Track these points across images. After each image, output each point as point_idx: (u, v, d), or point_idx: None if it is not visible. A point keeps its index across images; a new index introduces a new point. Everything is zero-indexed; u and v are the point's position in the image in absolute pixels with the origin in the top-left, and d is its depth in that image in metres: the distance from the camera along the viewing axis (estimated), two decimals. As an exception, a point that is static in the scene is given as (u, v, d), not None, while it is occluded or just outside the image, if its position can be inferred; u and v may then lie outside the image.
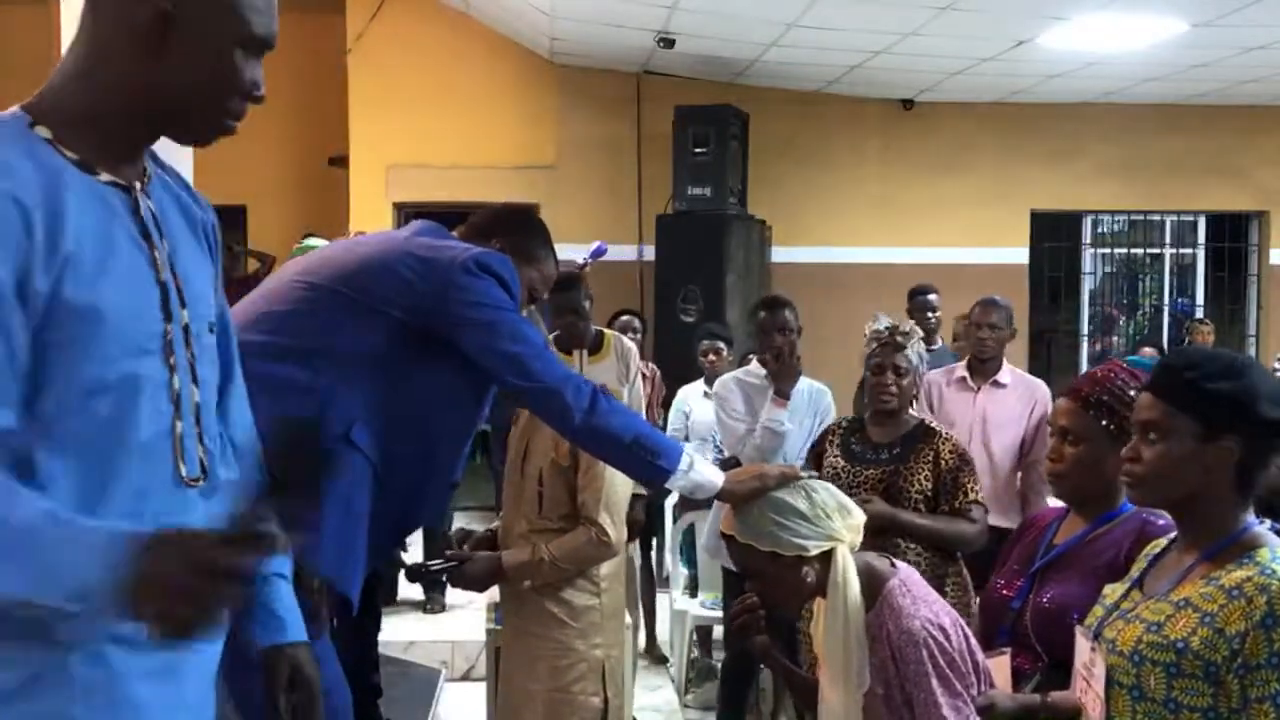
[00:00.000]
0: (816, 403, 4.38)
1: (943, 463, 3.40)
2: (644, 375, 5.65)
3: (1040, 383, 4.85)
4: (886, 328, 3.57)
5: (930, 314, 6.27)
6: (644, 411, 5.15)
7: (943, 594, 3.31)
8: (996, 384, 4.72)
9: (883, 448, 3.50)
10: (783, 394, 4.15)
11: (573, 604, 3.02)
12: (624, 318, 6.14)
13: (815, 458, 3.67)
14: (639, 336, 5.99)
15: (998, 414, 4.65)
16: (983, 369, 4.75)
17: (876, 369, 3.52)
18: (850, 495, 3.34)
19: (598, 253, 6.53)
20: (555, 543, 2.98)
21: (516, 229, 2.70)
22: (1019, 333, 6.48)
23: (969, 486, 3.39)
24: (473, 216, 2.74)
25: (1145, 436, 1.85)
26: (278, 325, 2.37)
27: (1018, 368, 5.02)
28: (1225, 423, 1.79)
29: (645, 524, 5.19)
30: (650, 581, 5.83)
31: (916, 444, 3.46)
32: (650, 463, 2.36)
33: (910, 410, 3.64)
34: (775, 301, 4.57)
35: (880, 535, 3.32)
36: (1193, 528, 1.86)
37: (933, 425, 3.56)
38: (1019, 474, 4.66)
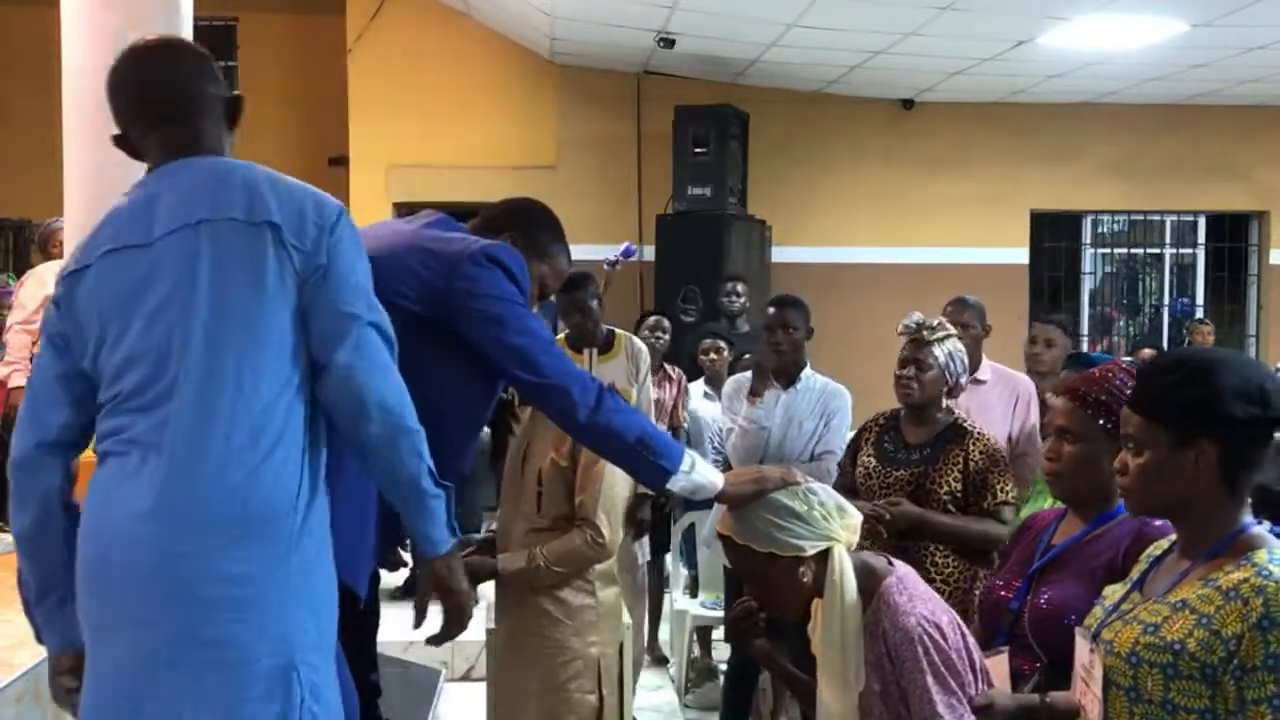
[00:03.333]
0: (826, 403, 4.34)
1: (972, 464, 3.41)
2: (670, 378, 5.69)
3: (1022, 376, 4.83)
4: (915, 323, 3.59)
5: (735, 298, 6.90)
6: (652, 413, 5.16)
7: (973, 596, 3.31)
8: (976, 381, 4.72)
9: (915, 448, 3.52)
10: (756, 392, 4.22)
11: (568, 603, 3.02)
12: (653, 318, 6.15)
13: (852, 454, 3.69)
14: (666, 337, 6.01)
15: (980, 411, 4.64)
16: None
17: (901, 363, 3.56)
18: (880, 496, 3.39)
19: (628, 253, 6.53)
20: (550, 546, 2.98)
21: (528, 223, 2.68)
22: (1018, 333, 6.46)
23: (998, 487, 3.39)
24: (485, 209, 2.73)
25: (1128, 448, 1.86)
26: None
27: (1016, 367, 5.01)
28: (1195, 427, 1.78)
29: (654, 524, 5.20)
30: (658, 582, 5.84)
31: (946, 445, 3.47)
32: (652, 463, 2.35)
33: (945, 408, 3.62)
34: (782, 300, 4.60)
35: (908, 537, 3.35)
36: (1189, 531, 1.86)
37: (965, 425, 3.55)
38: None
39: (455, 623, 2.16)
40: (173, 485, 1.87)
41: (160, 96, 2.08)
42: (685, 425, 5.68)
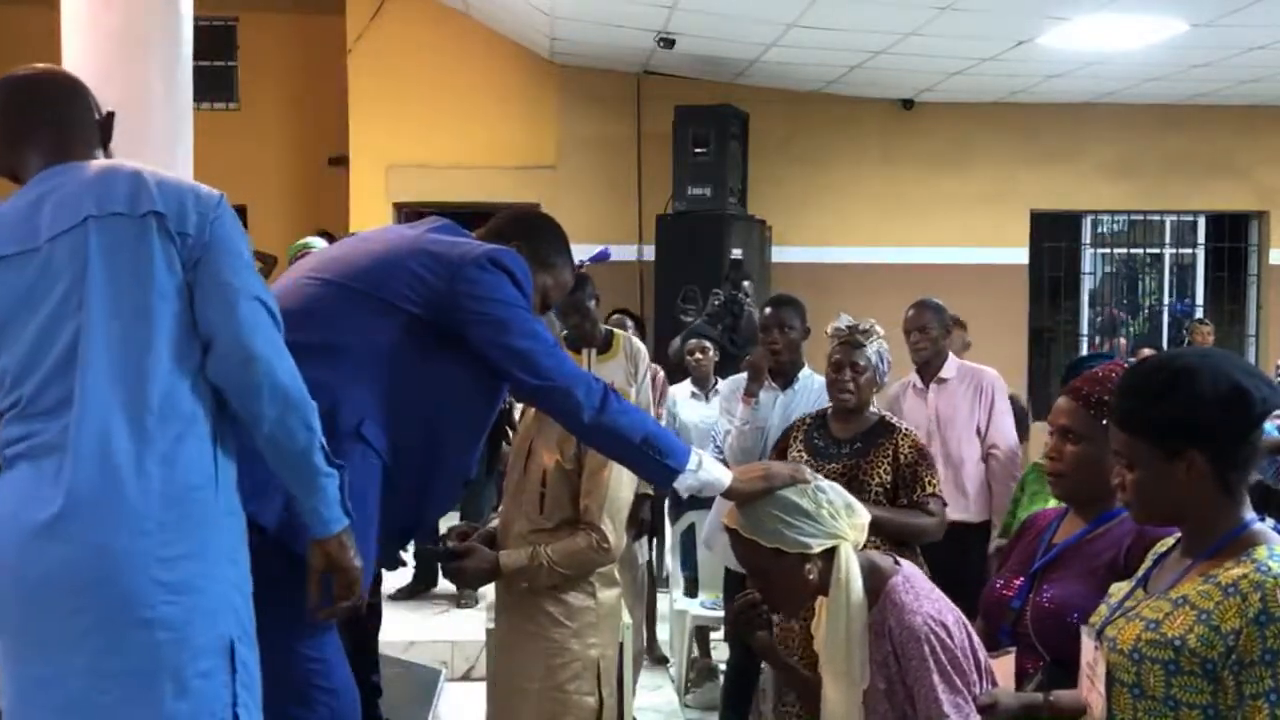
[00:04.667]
0: (824, 404, 4.35)
1: (901, 457, 3.51)
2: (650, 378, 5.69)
3: (987, 370, 4.88)
4: (846, 326, 3.67)
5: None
6: (651, 413, 5.17)
7: None
8: (940, 380, 4.77)
9: (845, 443, 3.59)
10: (750, 393, 4.26)
11: (569, 604, 3.02)
12: (616, 316, 6.18)
13: (780, 453, 3.73)
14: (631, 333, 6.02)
15: (947, 409, 4.72)
16: (927, 369, 4.82)
17: (835, 366, 3.62)
18: None
19: (600, 257, 6.54)
20: (555, 546, 2.97)
21: (534, 233, 2.68)
22: (1020, 332, 6.50)
23: (926, 480, 3.50)
24: (492, 219, 2.73)
25: (1120, 464, 1.87)
26: (288, 322, 2.36)
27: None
28: (1180, 440, 1.78)
29: (650, 523, 5.20)
30: (651, 581, 5.83)
31: (877, 439, 3.56)
32: (659, 462, 2.36)
33: (872, 407, 3.71)
34: (778, 300, 4.62)
35: None
36: (1191, 531, 1.86)
37: (893, 421, 3.67)
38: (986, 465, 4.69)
39: (344, 597, 2.13)
40: (88, 483, 1.90)
41: (26, 112, 2.13)
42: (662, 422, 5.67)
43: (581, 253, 6.66)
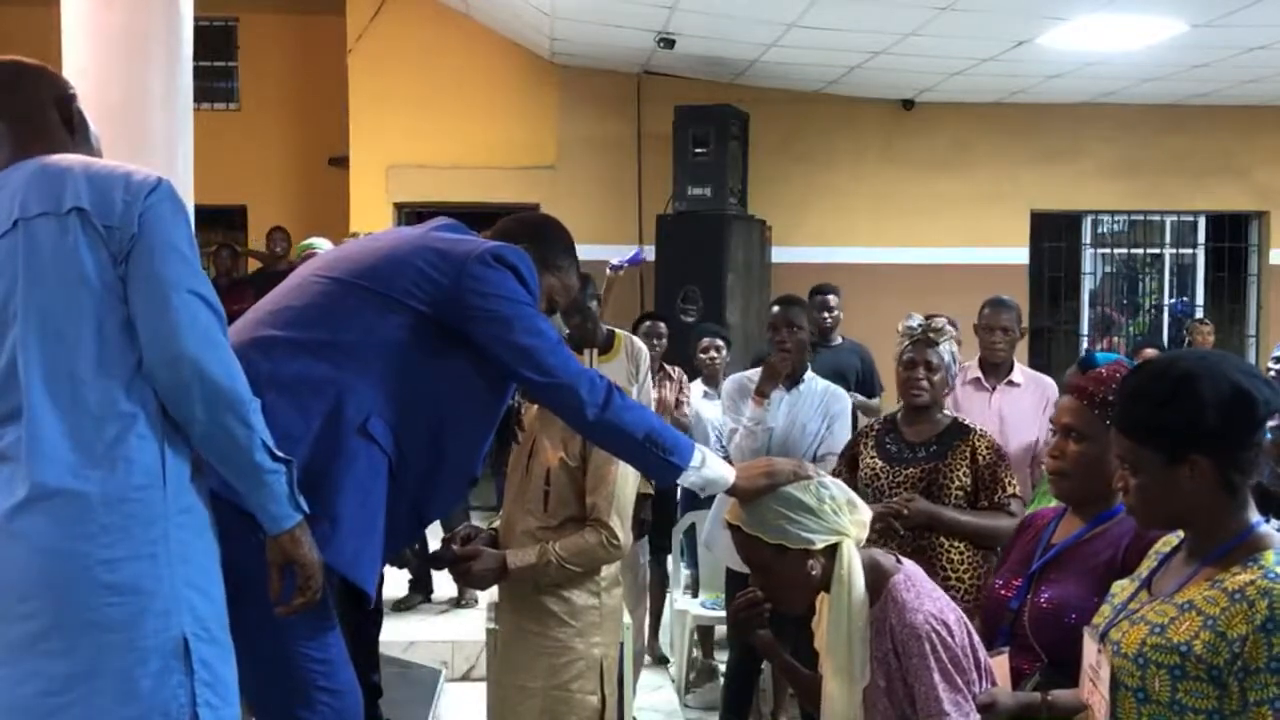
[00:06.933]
0: (828, 405, 4.34)
1: (980, 458, 3.45)
2: (670, 377, 5.69)
3: (1049, 380, 4.89)
4: (919, 324, 3.61)
5: (827, 313, 6.19)
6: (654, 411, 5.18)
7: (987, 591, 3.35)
8: (1011, 383, 4.75)
9: (919, 446, 3.53)
10: (762, 393, 4.22)
11: (573, 603, 3.02)
12: (648, 323, 6.13)
13: (849, 460, 3.68)
14: (663, 341, 5.99)
15: (1014, 413, 4.67)
16: (996, 370, 4.78)
17: (909, 364, 3.55)
18: (891, 495, 3.40)
19: (635, 260, 6.52)
20: (563, 543, 2.97)
21: (542, 236, 2.70)
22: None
23: (1006, 481, 3.44)
24: (500, 221, 2.74)
25: (1124, 468, 1.87)
26: (295, 320, 2.36)
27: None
28: (1184, 446, 1.78)
29: (655, 524, 5.19)
30: (661, 583, 5.83)
31: (954, 441, 3.50)
32: (663, 459, 2.37)
33: (945, 409, 3.66)
34: (786, 299, 4.60)
35: (922, 533, 3.36)
36: (1196, 535, 1.86)
37: (967, 422, 3.60)
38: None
39: (304, 591, 2.12)
40: (34, 490, 1.89)
41: None
42: (689, 422, 5.67)
43: (584, 252, 6.67)
